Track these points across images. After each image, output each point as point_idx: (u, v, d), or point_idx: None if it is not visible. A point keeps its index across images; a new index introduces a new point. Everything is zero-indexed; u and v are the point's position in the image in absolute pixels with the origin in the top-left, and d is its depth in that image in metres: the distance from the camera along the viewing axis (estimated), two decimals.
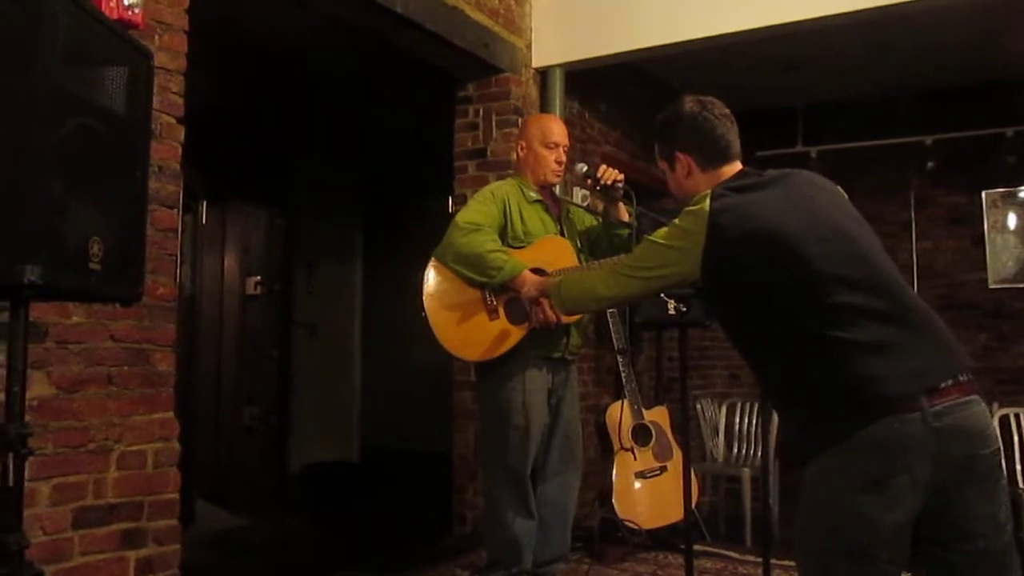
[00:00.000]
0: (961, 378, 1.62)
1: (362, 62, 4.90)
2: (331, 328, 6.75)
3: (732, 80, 4.73)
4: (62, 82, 1.49)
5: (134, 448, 2.52)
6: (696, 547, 3.22)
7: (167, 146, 2.65)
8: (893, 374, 1.57)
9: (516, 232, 3.06)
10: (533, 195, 3.16)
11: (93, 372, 2.43)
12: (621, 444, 3.86)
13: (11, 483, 1.49)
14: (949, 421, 1.57)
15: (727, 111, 1.92)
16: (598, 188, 3.07)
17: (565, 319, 2.96)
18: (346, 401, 6.98)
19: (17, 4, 1.45)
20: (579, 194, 4.31)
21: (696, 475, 4.12)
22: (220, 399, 5.74)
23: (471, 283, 2.97)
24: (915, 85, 5.46)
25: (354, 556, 4.11)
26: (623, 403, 3.88)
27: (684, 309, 2.53)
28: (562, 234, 3.18)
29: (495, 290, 2.97)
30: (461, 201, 4.26)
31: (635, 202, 2.99)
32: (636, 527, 3.77)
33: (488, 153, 4.34)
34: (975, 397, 1.63)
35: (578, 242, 3.21)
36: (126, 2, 2.40)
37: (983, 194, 5.59)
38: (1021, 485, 4.39)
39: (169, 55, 2.66)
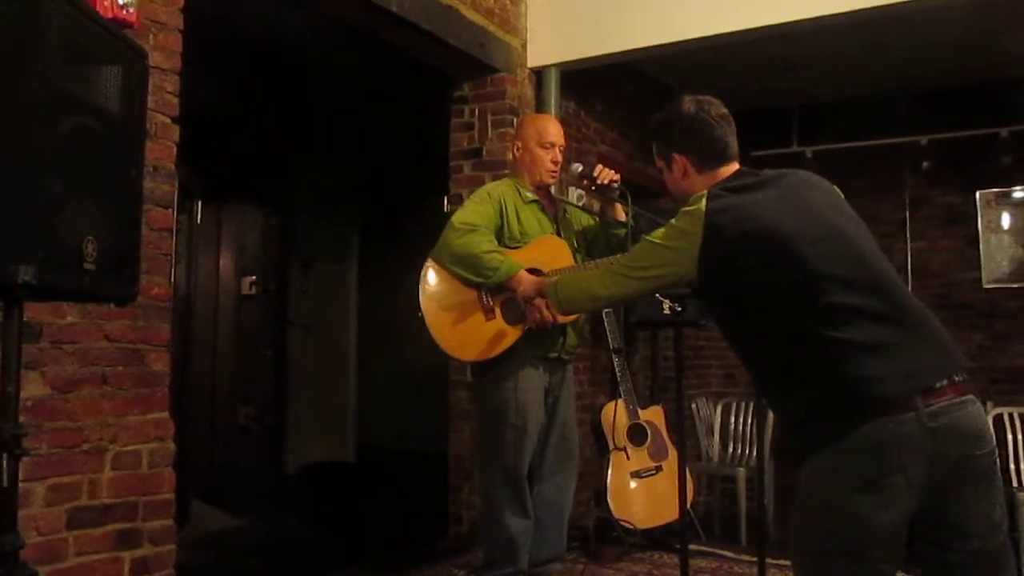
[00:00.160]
0: (956, 378, 1.62)
1: (358, 62, 4.90)
2: (327, 328, 6.74)
3: (728, 80, 4.73)
4: (59, 81, 1.49)
5: (129, 448, 2.52)
6: (691, 547, 3.22)
7: (162, 146, 2.64)
8: (889, 374, 1.58)
9: (513, 232, 3.06)
10: (529, 195, 3.16)
11: (88, 372, 2.42)
12: (616, 444, 3.86)
13: (5, 484, 1.48)
14: (945, 421, 1.57)
15: (725, 111, 1.91)
16: (594, 188, 3.07)
17: (561, 319, 2.96)
18: (342, 401, 6.97)
19: (15, 4, 1.45)
20: (574, 194, 4.31)
21: (691, 475, 4.13)
22: (215, 399, 5.73)
23: (468, 283, 2.97)
24: (910, 85, 5.48)
25: (351, 556, 4.11)
26: (618, 403, 3.89)
27: (679, 309, 2.53)
28: (559, 234, 3.18)
29: (491, 290, 2.97)
30: (457, 201, 4.25)
31: (630, 202, 2.99)
32: (632, 527, 3.77)
33: (484, 153, 4.34)
34: (971, 397, 1.63)
35: (575, 242, 3.21)
36: (120, 1, 2.40)
37: (978, 194, 5.61)
38: (1016, 485, 4.41)
39: (164, 54, 2.66)
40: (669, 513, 3.72)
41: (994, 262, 5.57)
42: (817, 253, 1.66)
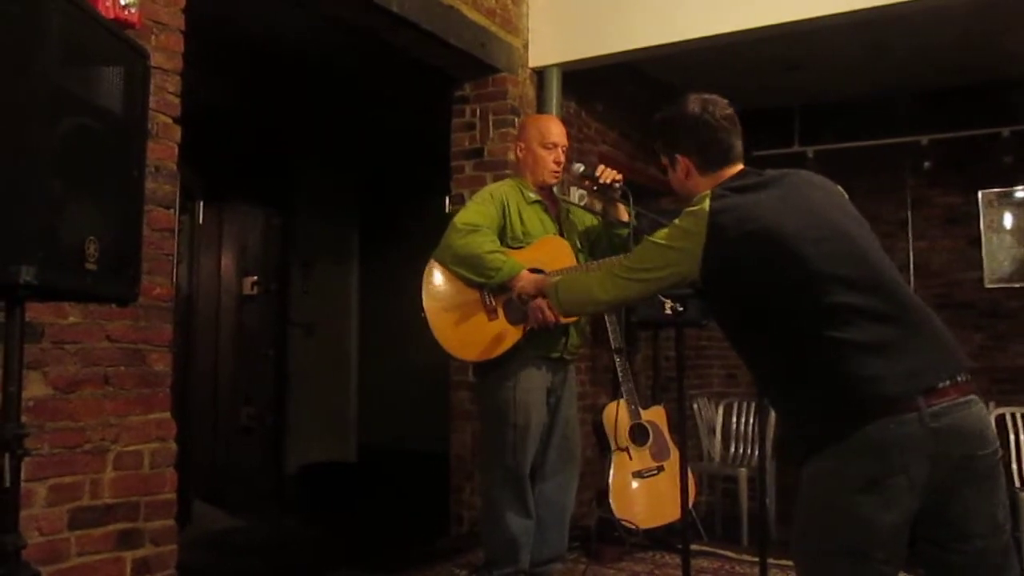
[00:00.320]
0: (959, 378, 1.62)
1: (359, 62, 4.89)
2: (328, 328, 6.74)
3: (729, 80, 4.71)
4: (60, 81, 1.49)
5: (131, 448, 2.52)
6: (693, 547, 3.22)
7: (163, 146, 2.64)
8: (891, 374, 1.57)
9: (515, 233, 3.06)
10: (532, 195, 3.16)
11: (89, 372, 2.42)
12: (618, 444, 3.86)
13: (7, 484, 1.48)
14: (947, 421, 1.57)
15: (730, 112, 1.90)
16: (596, 188, 3.07)
17: (563, 319, 2.95)
18: (343, 401, 6.97)
19: (16, 3, 1.45)
20: (576, 194, 4.31)
21: (693, 475, 4.12)
22: (217, 399, 5.73)
23: (470, 284, 2.97)
24: (911, 85, 5.47)
25: (351, 556, 4.11)
26: (620, 403, 3.88)
27: (681, 309, 2.52)
28: (561, 234, 3.18)
29: (494, 291, 2.97)
30: (458, 201, 4.25)
31: (632, 202, 2.99)
32: (633, 527, 3.77)
33: (485, 153, 4.34)
34: (973, 397, 1.63)
35: (578, 242, 3.21)
36: (122, 2, 2.40)
37: (979, 194, 5.60)
38: (1018, 485, 4.40)
39: (165, 55, 2.66)
40: (671, 513, 3.72)
41: (996, 262, 5.57)
42: (819, 253, 1.66)
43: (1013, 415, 4.62)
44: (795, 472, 1.71)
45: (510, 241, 3.05)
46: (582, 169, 3.10)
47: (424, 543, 4.16)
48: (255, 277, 5.93)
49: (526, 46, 4.48)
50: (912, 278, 5.63)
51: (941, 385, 1.59)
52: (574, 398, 3.30)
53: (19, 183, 1.42)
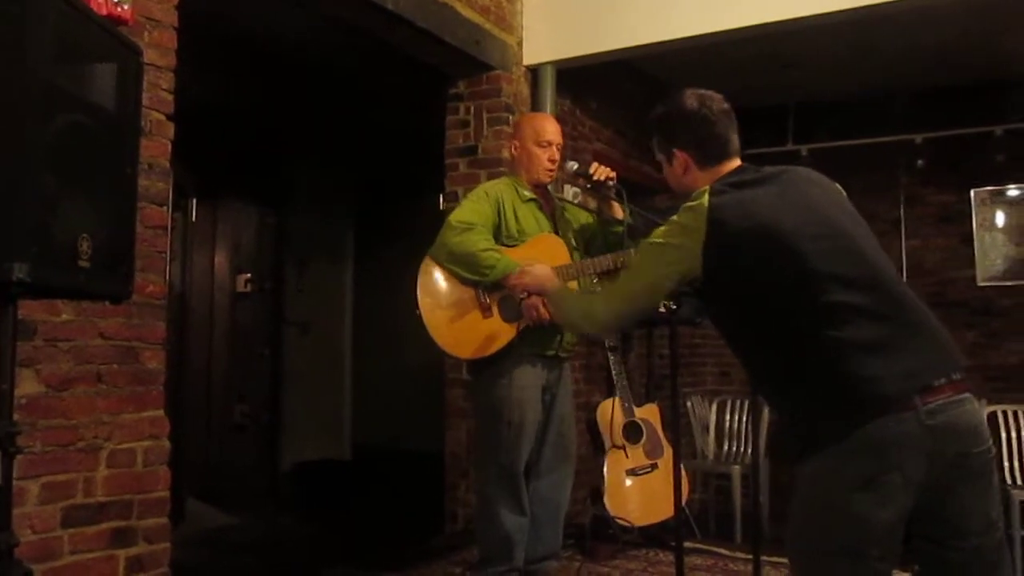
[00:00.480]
0: (954, 376, 1.62)
1: (353, 60, 4.89)
2: (322, 326, 6.73)
3: (724, 77, 4.68)
4: (53, 78, 1.48)
5: (124, 446, 2.51)
6: (686, 544, 3.22)
7: (157, 143, 2.63)
8: (889, 374, 1.57)
9: (510, 231, 3.06)
10: (527, 194, 3.15)
11: (82, 370, 2.42)
12: (612, 442, 3.87)
13: (0, 482, 1.48)
14: (942, 419, 1.57)
15: (726, 107, 1.89)
16: (590, 186, 3.07)
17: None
18: (337, 399, 6.96)
19: (8, 1, 1.44)
20: (570, 191, 4.31)
21: (686, 472, 4.13)
22: (210, 397, 5.72)
23: (465, 281, 2.97)
24: (905, 84, 5.48)
25: (346, 554, 4.10)
26: (614, 401, 3.89)
27: (675, 307, 2.52)
28: (556, 232, 3.18)
29: (488, 288, 2.97)
30: (452, 199, 4.25)
31: (626, 200, 2.99)
32: (627, 524, 3.78)
33: (479, 151, 4.34)
34: (968, 395, 1.63)
35: (573, 240, 3.21)
36: None
37: (972, 192, 5.63)
38: (1010, 482, 4.42)
39: (158, 51, 2.65)
40: (664, 511, 3.73)
41: (988, 260, 5.60)
42: (816, 250, 1.65)
43: (1005, 413, 4.65)
44: (789, 470, 1.70)
45: (505, 239, 3.05)
46: (576, 167, 3.10)
47: (419, 541, 4.16)
48: (249, 275, 5.92)
49: (520, 44, 4.48)
50: (905, 276, 5.64)
51: (937, 383, 1.59)
52: (570, 396, 3.29)
53: (12, 180, 1.42)
